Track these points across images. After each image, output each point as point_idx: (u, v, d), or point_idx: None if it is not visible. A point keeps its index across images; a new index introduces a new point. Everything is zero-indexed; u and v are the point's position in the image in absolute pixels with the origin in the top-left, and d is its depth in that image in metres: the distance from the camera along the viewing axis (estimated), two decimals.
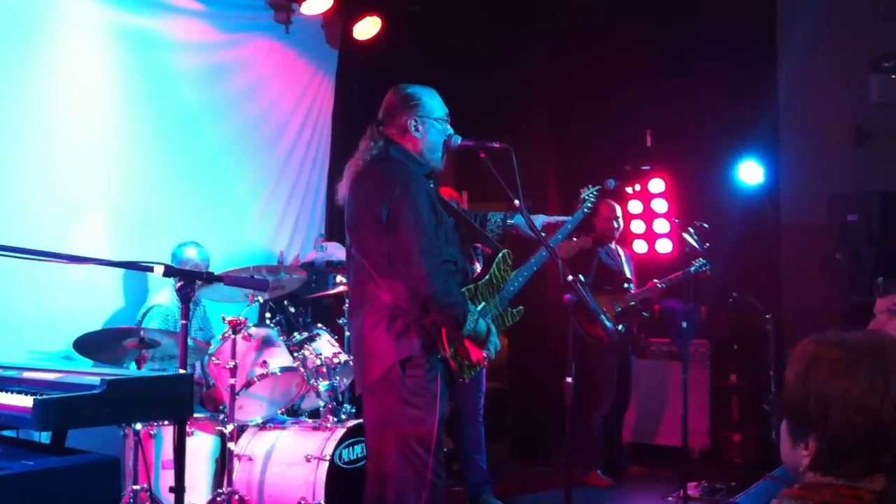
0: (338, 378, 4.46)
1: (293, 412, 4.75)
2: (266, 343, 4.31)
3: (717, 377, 6.30)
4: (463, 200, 5.84)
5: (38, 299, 4.58)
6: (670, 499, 5.17)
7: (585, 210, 3.84)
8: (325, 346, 4.53)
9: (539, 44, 6.89)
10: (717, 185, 6.39)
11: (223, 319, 4.19)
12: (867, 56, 5.87)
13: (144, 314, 4.69)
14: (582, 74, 6.64)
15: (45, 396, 2.43)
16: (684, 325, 4.90)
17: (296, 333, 4.60)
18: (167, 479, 4.06)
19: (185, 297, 2.89)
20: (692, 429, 5.11)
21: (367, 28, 6.20)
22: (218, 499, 4.02)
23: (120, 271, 5.01)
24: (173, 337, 4.01)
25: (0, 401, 2.65)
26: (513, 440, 6.79)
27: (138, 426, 3.88)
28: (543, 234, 3.43)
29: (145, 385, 2.66)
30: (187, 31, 5.46)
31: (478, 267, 4.59)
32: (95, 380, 2.52)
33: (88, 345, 3.98)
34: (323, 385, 4.38)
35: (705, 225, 5.15)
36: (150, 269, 2.85)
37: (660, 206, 6.67)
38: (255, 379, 4.22)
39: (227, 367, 4.08)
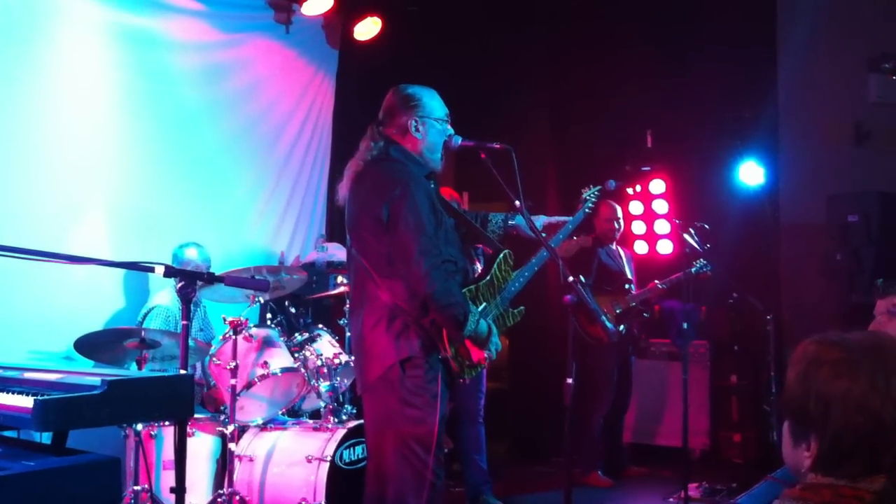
0: (338, 379, 4.46)
1: (294, 413, 4.75)
2: (267, 344, 4.31)
3: (717, 378, 6.31)
4: (463, 201, 5.84)
5: (39, 300, 4.58)
6: (671, 499, 5.17)
7: (586, 210, 3.85)
8: (325, 346, 4.53)
9: (539, 44, 6.89)
10: (717, 185, 6.40)
11: (224, 320, 4.19)
12: (867, 56, 5.87)
13: (145, 315, 4.70)
14: (582, 75, 6.65)
15: (45, 397, 2.43)
16: (684, 325, 4.90)
17: (296, 334, 4.60)
18: (168, 479, 4.05)
19: (186, 297, 2.89)
20: (692, 429, 5.11)
21: (367, 28, 6.20)
22: (219, 499, 4.02)
23: (120, 272, 5.01)
24: (174, 337, 4.01)
25: (1, 401, 2.65)
26: (513, 440, 6.79)
27: (139, 427, 3.89)
28: (544, 235, 3.44)
29: (146, 385, 2.66)
30: (187, 30, 5.46)
31: (478, 267, 4.59)
32: (96, 380, 2.52)
33: (89, 345, 3.98)
34: (324, 386, 4.38)
35: (705, 225, 5.16)
36: (151, 270, 2.85)
37: (660, 206, 6.67)
38: (256, 379, 4.22)
39: (228, 367, 4.08)
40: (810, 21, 6.17)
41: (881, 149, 5.98)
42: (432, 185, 3.27)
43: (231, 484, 4.04)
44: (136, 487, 3.88)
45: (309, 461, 4.08)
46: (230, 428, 4.06)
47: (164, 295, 4.77)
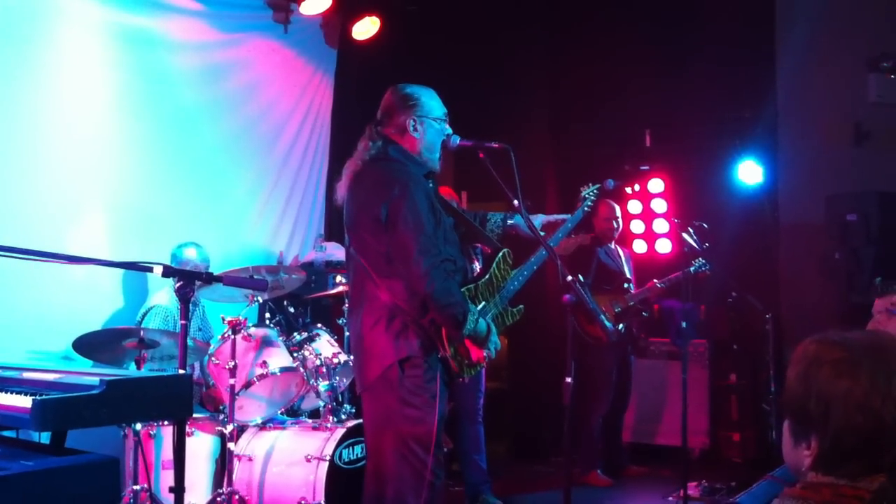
0: (337, 378, 4.46)
1: (293, 412, 4.75)
2: (266, 343, 4.31)
3: (716, 377, 6.31)
4: (462, 200, 5.84)
5: (38, 300, 4.58)
6: (670, 498, 5.17)
7: (585, 209, 3.84)
8: (324, 346, 4.53)
9: (538, 43, 6.89)
10: (716, 184, 6.40)
11: (223, 320, 4.19)
12: (866, 56, 5.87)
13: (144, 314, 4.69)
14: (581, 74, 6.65)
15: (44, 397, 2.43)
16: (683, 324, 4.90)
17: (295, 333, 4.60)
18: (167, 479, 4.06)
19: (185, 297, 2.89)
20: (691, 428, 5.11)
21: (365, 28, 6.20)
22: (218, 499, 4.02)
23: (119, 271, 5.01)
24: (173, 337, 4.01)
25: None
26: (512, 440, 6.79)
27: (138, 426, 3.88)
28: (543, 234, 3.44)
29: (145, 385, 2.66)
30: (186, 30, 5.46)
31: (477, 266, 4.59)
32: (95, 380, 2.52)
33: (88, 345, 3.98)
34: (322, 385, 4.38)
35: (704, 225, 5.16)
36: (150, 270, 2.85)
37: (659, 206, 6.68)
38: (255, 379, 4.21)
39: (227, 367, 4.08)
40: (809, 20, 6.18)
41: (880, 148, 5.98)
42: (431, 185, 3.27)
43: (230, 483, 4.04)
44: (135, 487, 3.88)
45: (308, 460, 4.08)
46: (229, 427, 4.06)
47: (162, 295, 4.77)
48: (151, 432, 4.09)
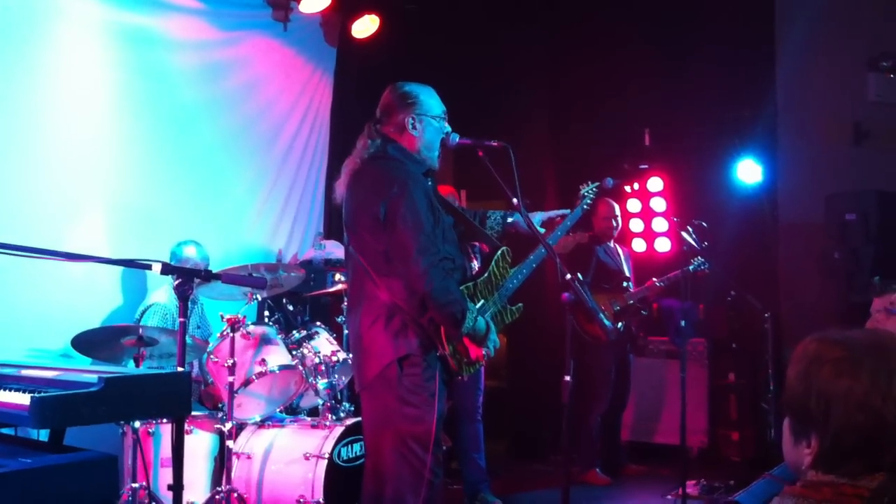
0: (336, 376, 4.46)
1: (292, 410, 4.74)
2: (264, 341, 4.31)
3: (715, 376, 6.31)
4: (461, 199, 5.84)
5: (37, 297, 4.57)
6: (669, 497, 5.17)
7: (585, 207, 3.85)
8: (323, 344, 4.53)
9: (538, 42, 6.89)
10: (716, 183, 6.40)
11: (221, 317, 4.18)
12: (865, 55, 5.87)
13: (143, 312, 4.69)
14: (581, 73, 6.64)
15: (42, 394, 2.43)
16: (682, 323, 4.90)
17: (294, 332, 4.59)
18: (166, 476, 4.05)
19: (183, 294, 2.89)
20: (690, 427, 5.11)
21: (365, 26, 6.19)
22: (217, 497, 4.02)
23: (118, 269, 5.01)
24: (172, 335, 4.01)
25: None
26: (511, 438, 6.79)
27: (137, 424, 3.88)
28: (543, 231, 3.44)
29: (143, 383, 2.66)
30: (185, 29, 5.46)
31: (475, 265, 4.59)
32: (93, 377, 2.52)
33: (87, 343, 3.97)
34: (321, 383, 4.38)
35: (703, 224, 5.16)
36: (148, 267, 2.85)
37: (658, 204, 6.68)
38: (254, 377, 4.21)
39: (226, 365, 4.08)
40: (809, 20, 6.18)
41: (880, 148, 5.98)
42: (430, 183, 3.27)
43: (229, 481, 4.03)
44: (133, 485, 3.88)
45: (307, 458, 4.08)
46: (228, 425, 4.06)
47: (161, 292, 4.76)
48: (150, 430, 4.09)
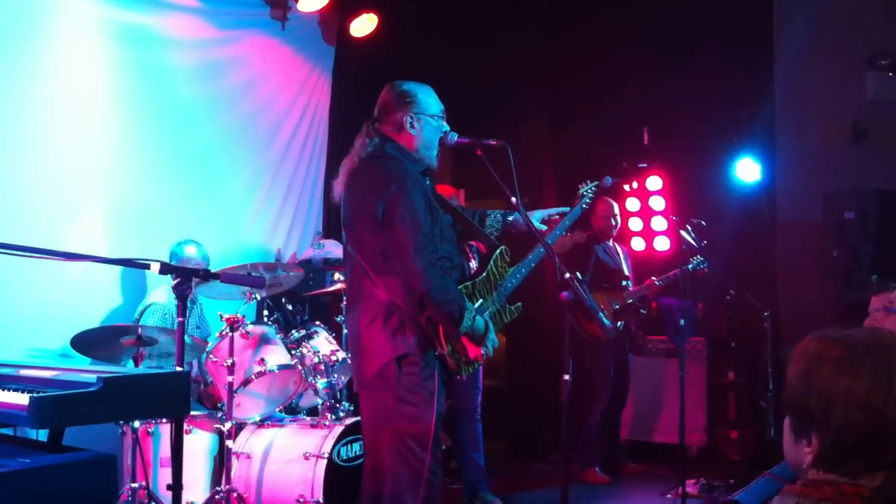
0: (336, 375, 4.46)
1: (291, 410, 4.74)
2: (264, 341, 4.31)
3: (714, 374, 6.31)
4: (460, 198, 5.84)
5: (36, 297, 4.57)
6: (668, 496, 5.18)
7: (584, 206, 3.85)
8: (322, 343, 4.53)
9: (538, 42, 6.89)
10: (714, 182, 6.40)
11: (221, 317, 4.18)
12: (864, 54, 5.88)
13: (142, 312, 4.69)
14: (580, 72, 6.64)
15: (41, 394, 2.42)
16: (681, 322, 4.90)
17: (293, 331, 4.59)
18: (165, 476, 4.04)
19: (182, 294, 2.88)
20: (689, 426, 5.12)
21: (363, 25, 6.19)
22: (216, 496, 4.01)
23: (117, 269, 5.00)
24: (171, 334, 4.00)
25: None
26: (510, 437, 6.79)
27: (136, 424, 3.88)
28: (543, 228, 3.44)
29: (142, 383, 2.65)
30: (184, 27, 5.45)
31: (473, 264, 4.58)
32: (92, 377, 2.51)
33: (86, 342, 3.97)
34: (321, 383, 4.38)
35: (702, 222, 5.16)
36: (147, 267, 2.85)
37: (657, 203, 6.67)
38: (253, 377, 4.21)
39: (225, 364, 4.08)
40: (807, 18, 6.18)
41: (878, 146, 5.98)
42: (428, 182, 3.27)
43: (228, 481, 4.03)
44: (133, 485, 3.87)
45: (306, 458, 4.07)
46: (227, 425, 4.05)
47: (160, 292, 4.76)
48: (149, 430, 4.08)
